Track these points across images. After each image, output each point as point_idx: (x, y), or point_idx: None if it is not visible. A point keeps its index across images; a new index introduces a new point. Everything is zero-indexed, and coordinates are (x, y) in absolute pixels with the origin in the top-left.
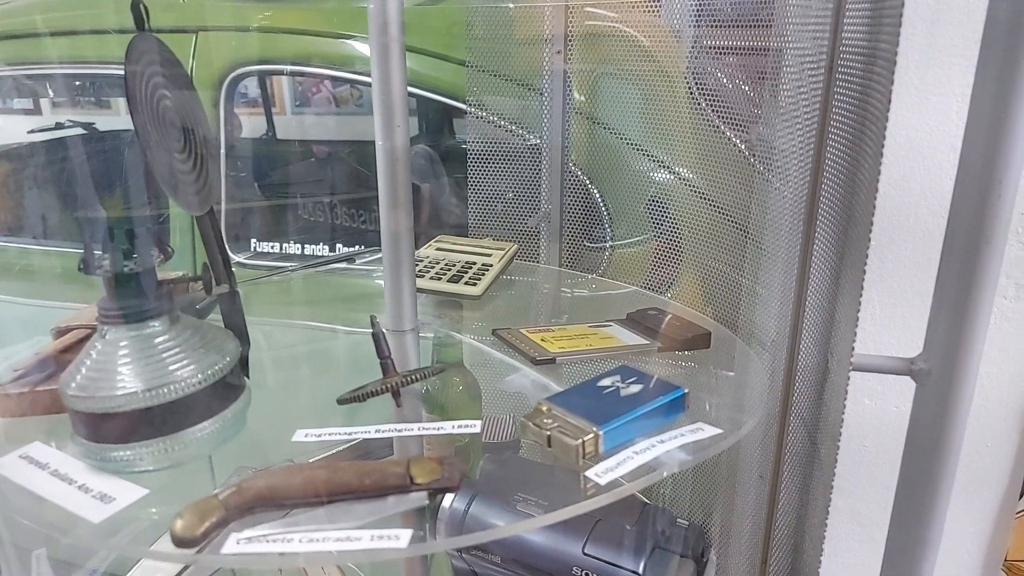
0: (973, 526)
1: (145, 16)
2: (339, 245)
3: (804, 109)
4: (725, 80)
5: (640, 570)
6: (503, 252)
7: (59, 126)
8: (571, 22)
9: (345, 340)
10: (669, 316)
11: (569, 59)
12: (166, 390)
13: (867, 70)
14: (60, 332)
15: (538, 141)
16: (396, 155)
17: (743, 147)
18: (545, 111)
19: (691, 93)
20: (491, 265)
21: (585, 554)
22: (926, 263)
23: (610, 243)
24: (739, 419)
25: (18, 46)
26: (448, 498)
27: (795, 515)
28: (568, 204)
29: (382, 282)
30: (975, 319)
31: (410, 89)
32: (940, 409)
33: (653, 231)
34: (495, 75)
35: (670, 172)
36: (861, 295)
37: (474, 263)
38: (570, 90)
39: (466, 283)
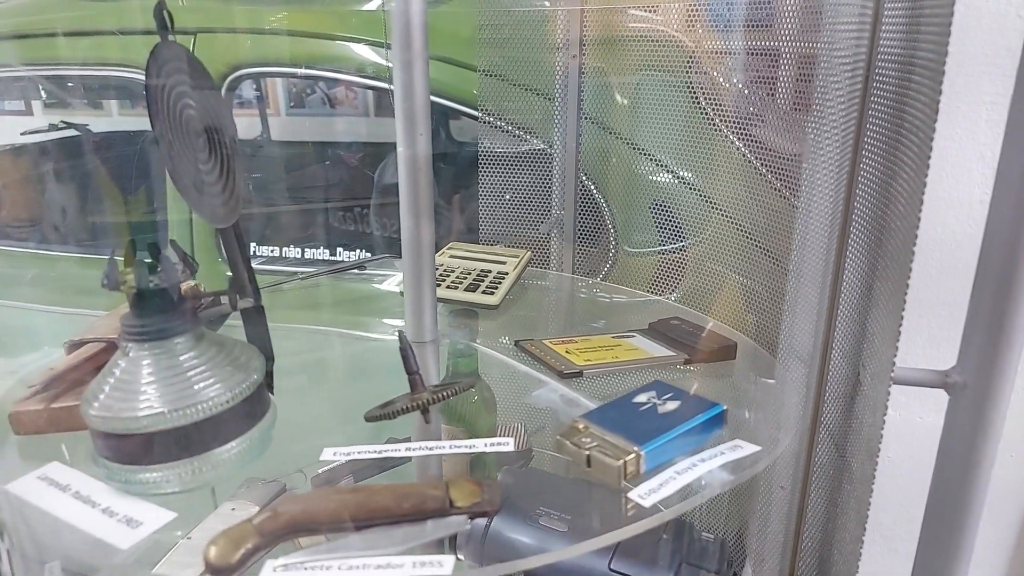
0: (996, 537)
1: (169, 22)
2: (339, 249)
3: (841, 119)
4: (741, 84)
5: None
6: (517, 259)
7: (53, 127)
8: (585, 26)
9: (357, 346)
10: (692, 327)
11: (584, 67)
12: (193, 410)
13: (903, 79)
14: (73, 346)
15: (547, 147)
16: (418, 164)
17: (746, 151)
18: (558, 116)
19: (697, 100)
20: (507, 273)
21: (612, 570)
22: (953, 272)
23: (613, 248)
24: (775, 434)
25: (11, 47)
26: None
27: (821, 528)
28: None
29: (379, 287)
30: (1011, 333)
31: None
32: (974, 422)
33: (657, 236)
34: (507, 80)
35: (675, 176)
36: (904, 308)
37: (489, 271)
38: (582, 94)
39: (483, 292)
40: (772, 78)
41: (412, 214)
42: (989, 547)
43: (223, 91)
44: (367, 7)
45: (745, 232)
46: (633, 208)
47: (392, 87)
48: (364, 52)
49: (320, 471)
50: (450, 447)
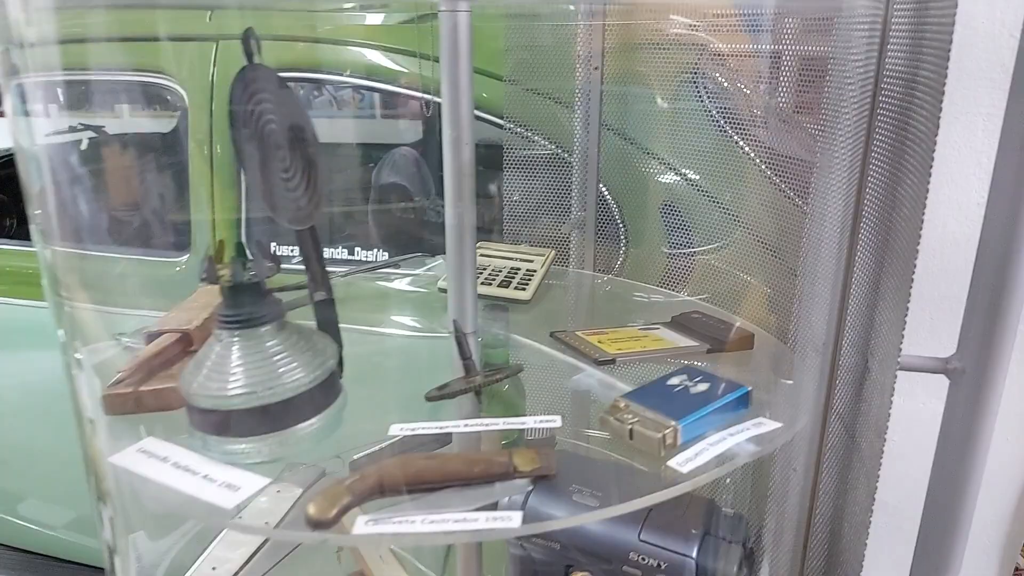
0: (993, 514)
1: (257, 48)
2: (358, 248)
3: (852, 130)
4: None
5: (693, 554)
6: (543, 258)
7: (72, 129)
8: (607, 37)
9: (389, 343)
10: (712, 320)
11: (605, 77)
12: (278, 390)
13: (907, 94)
14: (151, 336)
15: (567, 155)
16: (463, 170)
17: (755, 156)
18: (579, 123)
19: (710, 111)
20: (535, 270)
21: (641, 540)
22: (953, 269)
23: (624, 247)
24: (793, 413)
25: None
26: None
27: (832, 504)
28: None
29: (388, 285)
30: (1005, 324)
31: (419, 95)
32: (972, 405)
33: (666, 236)
34: (530, 90)
35: (684, 179)
36: (909, 300)
37: (519, 268)
38: (603, 103)
39: (516, 288)
40: (787, 90)
41: (456, 215)
42: (988, 523)
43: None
44: (393, 19)
45: (758, 237)
46: (643, 209)
47: (429, 96)
48: (384, 59)
49: (356, 456)
50: (503, 423)
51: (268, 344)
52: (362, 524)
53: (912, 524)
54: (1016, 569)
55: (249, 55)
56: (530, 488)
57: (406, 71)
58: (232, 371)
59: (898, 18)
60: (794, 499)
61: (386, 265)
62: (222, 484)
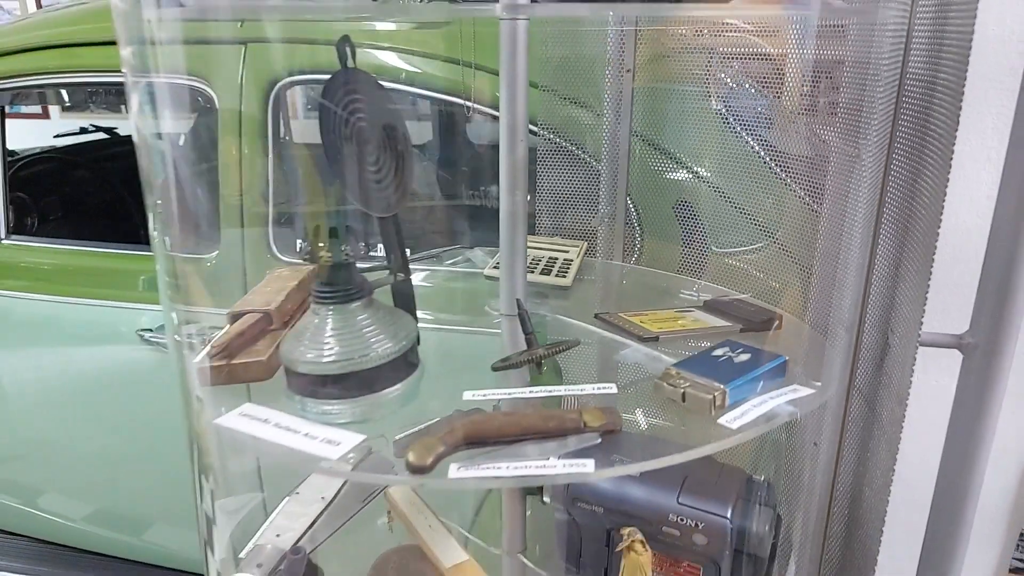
0: (1001, 484)
1: (351, 54)
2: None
3: (877, 128)
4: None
5: (728, 515)
6: (578, 249)
7: (83, 131)
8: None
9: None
10: (743, 303)
11: (636, 79)
12: (369, 358)
13: (927, 95)
14: (234, 316)
15: (595, 160)
16: (517, 164)
17: (766, 156)
18: (608, 123)
19: (726, 119)
20: (572, 260)
21: (680, 503)
22: (963, 257)
23: (639, 241)
24: (824, 384)
25: (34, 58)
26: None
27: (852, 473)
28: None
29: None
30: (1014, 303)
31: (430, 93)
32: (984, 377)
33: (681, 233)
34: (562, 96)
35: (697, 177)
36: (929, 279)
37: (557, 258)
38: (633, 106)
39: (556, 275)
40: (808, 92)
41: (510, 207)
42: (995, 491)
43: (272, 98)
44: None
45: (773, 238)
46: (658, 207)
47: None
48: (393, 61)
49: (398, 436)
50: (564, 390)
51: (359, 318)
52: (455, 470)
53: (925, 493)
54: (1021, 535)
55: (343, 59)
56: (598, 441)
57: (432, 74)
58: (327, 340)
59: (919, 26)
60: (818, 470)
61: (427, 257)
62: (323, 440)
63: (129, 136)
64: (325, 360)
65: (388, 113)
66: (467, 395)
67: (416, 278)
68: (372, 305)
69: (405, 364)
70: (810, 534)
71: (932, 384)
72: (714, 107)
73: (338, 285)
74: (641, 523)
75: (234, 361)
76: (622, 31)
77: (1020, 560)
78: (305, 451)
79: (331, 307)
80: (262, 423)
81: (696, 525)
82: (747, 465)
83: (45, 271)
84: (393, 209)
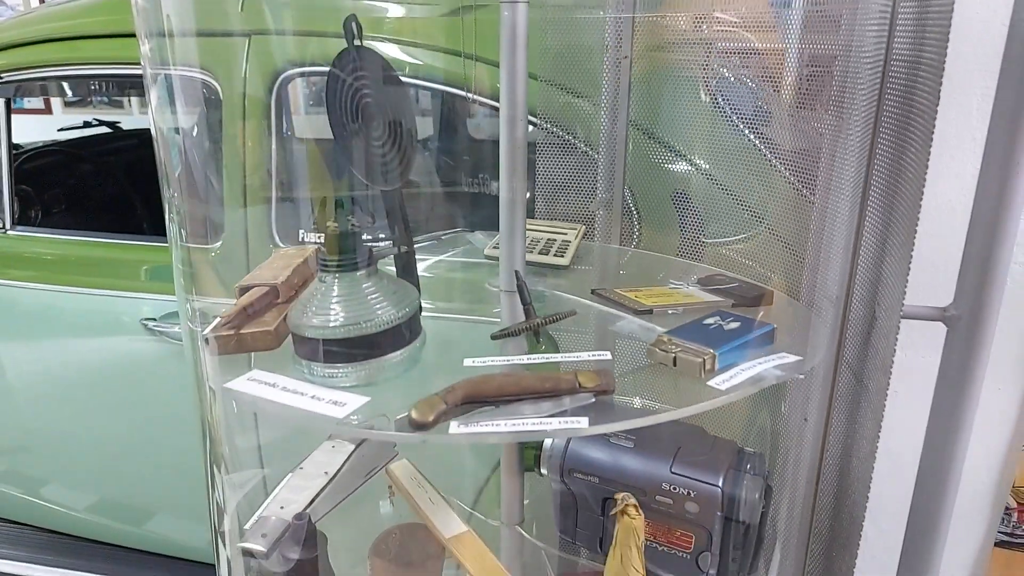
0: (986, 460)
1: (357, 32)
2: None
3: (864, 107)
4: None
5: (719, 483)
6: (576, 231)
7: (87, 124)
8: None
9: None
10: (734, 279)
11: (633, 66)
12: (373, 323)
13: (911, 75)
14: (243, 289)
15: (592, 152)
16: (516, 144)
17: (759, 144)
18: (606, 112)
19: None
20: (570, 241)
21: (673, 472)
22: (948, 233)
23: (637, 229)
24: (812, 352)
25: (37, 51)
26: (548, 440)
27: (841, 444)
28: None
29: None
30: (994, 277)
31: (432, 85)
32: (968, 347)
33: (679, 222)
34: (560, 87)
35: (692, 166)
36: (912, 252)
37: (555, 239)
38: (631, 94)
39: (555, 255)
40: (805, 77)
41: (509, 186)
42: (981, 467)
43: (275, 91)
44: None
45: (768, 227)
46: (655, 197)
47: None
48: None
49: (399, 416)
50: (561, 358)
51: (364, 286)
52: (455, 426)
53: (911, 467)
54: (1007, 509)
55: (350, 38)
56: (592, 400)
57: (433, 65)
58: (333, 306)
59: (904, 5)
60: (807, 443)
61: (430, 239)
62: (329, 401)
63: (130, 130)
64: (331, 325)
65: (393, 89)
66: (467, 361)
67: (420, 265)
68: (376, 274)
69: (408, 331)
70: (798, 507)
71: (920, 360)
72: (703, 98)
73: (344, 254)
74: (635, 492)
75: (242, 331)
76: (619, 19)
77: (1005, 534)
78: (312, 411)
79: (337, 274)
80: (270, 387)
81: (688, 494)
82: (739, 439)
83: (48, 261)
84: (396, 183)
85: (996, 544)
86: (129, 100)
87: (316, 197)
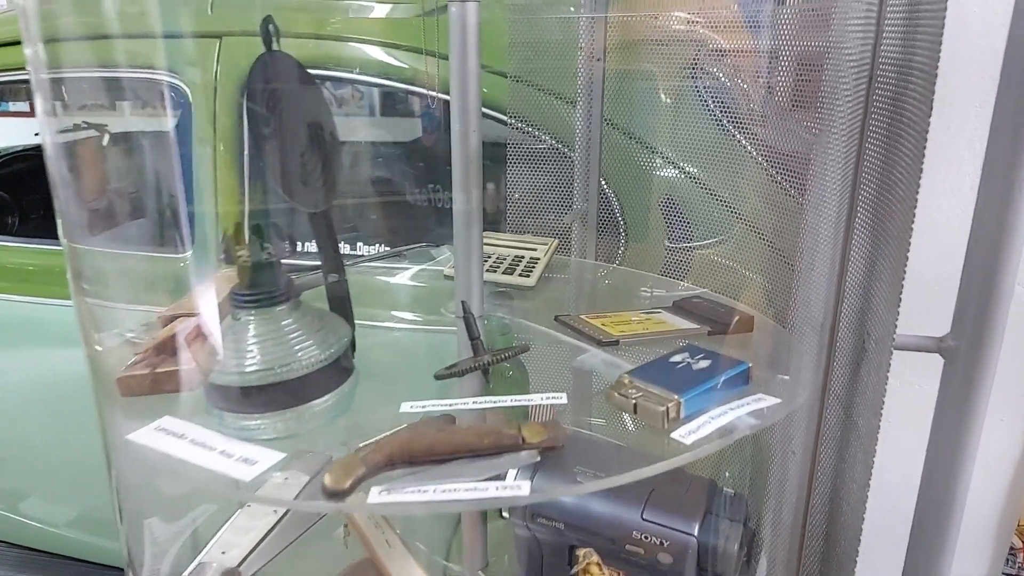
0: (991, 495)
1: (275, 36)
2: (359, 244)
3: (848, 115)
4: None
5: (695, 532)
6: (546, 247)
7: (76, 127)
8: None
9: (389, 337)
10: (714, 303)
11: (606, 73)
12: (294, 366)
13: (901, 80)
14: (166, 320)
15: (568, 150)
16: (470, 156)
17: (751, 148)
18: (580, 115)
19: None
20: (538, 258)
21: (644, 519)
22: (945, 254)
23: (624, 239)
24: (793, 391)
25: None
26: (511, 474)
27: (830, 484)
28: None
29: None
30: (997, 304)
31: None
32: (967, 382)
33: (667, 230)
34: (534, 86)
35: (683, 173)
36: (903, 279)
37: (523, 256)
38: (604, 97)
39: (520, 275)
40: (786, 83)
41: (464, 201)
42: (985, 502)
43: (246, 92)
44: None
45: (756, 230)
46: (643, 203)
47: (429, 92)
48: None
49: (361, 444)
50: (510, 400)
51: (284, 323)
52: (376, 494)
53: (908, 504)
54: (1011, 549)
55: (268, 43)
56: (538, 459)
57: (405, 66)
58: (248, 348)
59: (892, 5)
60: (793, 480)
61: (393, 255)
62: (239, 458)
63: (115, 133)
64: (247, 369)
65: (313, 100)
66: (405, 407)
67: (378, 277)
68: (299, 308)
69: (336, 372)
70: (782, 549)
71: (915, 390)
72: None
73: (259, 287)
74: (604, 540)
75: (159, 369)
76: (592, 19)
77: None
78: (217, 471)
79: (252, 311)
80: (177, 439)
81: (661, 543)
82: (720, 476)
83: (27, 272)
84: (322, 204)
85: None
86: (120, 103)
87: (225, 226)
